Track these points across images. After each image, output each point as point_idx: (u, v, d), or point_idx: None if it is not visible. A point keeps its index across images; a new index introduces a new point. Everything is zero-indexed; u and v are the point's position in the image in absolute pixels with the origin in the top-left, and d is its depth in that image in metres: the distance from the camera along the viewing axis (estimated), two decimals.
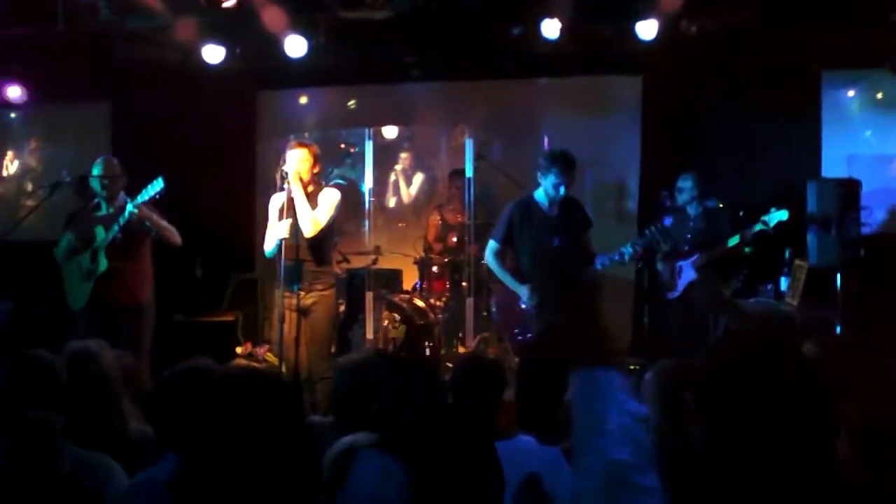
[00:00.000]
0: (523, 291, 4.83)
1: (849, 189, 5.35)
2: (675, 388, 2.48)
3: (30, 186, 7.49)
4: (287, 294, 4.67)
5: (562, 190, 4.81)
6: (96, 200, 5.12)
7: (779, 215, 5.25)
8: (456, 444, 1.93)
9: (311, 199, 4.71)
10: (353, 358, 3.23)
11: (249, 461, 1.56)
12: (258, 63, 6.80)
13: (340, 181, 5.96)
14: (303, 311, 4.68)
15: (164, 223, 5.02)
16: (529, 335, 4.82)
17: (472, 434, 1.94)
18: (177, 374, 2.47)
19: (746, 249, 5.32)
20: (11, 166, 7.86)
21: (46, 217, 5.57)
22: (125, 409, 2.82)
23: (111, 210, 5.01)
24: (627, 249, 4.84)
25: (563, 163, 4.78)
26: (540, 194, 4.91)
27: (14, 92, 6.92)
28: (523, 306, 4.85)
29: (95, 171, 5.07)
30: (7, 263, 6.27)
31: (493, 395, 2.88)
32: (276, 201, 4.79)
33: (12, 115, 7.70)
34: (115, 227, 4.87)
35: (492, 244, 4.99)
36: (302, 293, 4.66)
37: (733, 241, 5.20)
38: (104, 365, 2.81)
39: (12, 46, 6.50)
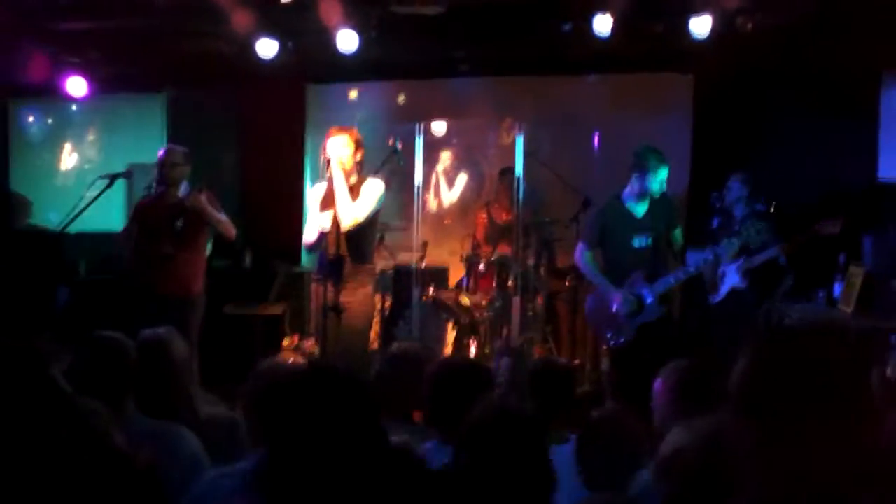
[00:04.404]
0: (617, 295, 4.75)
1: None
2: None
3: (89, 177, 7.70)
4: (321, 288, 4.47)
5: (652, 186, 4.72)
6: (160, 188, 5.24)
7: (829, 225, 5.11)
8: (510, 443, 1.99)
9: (354, 189, 4.49)
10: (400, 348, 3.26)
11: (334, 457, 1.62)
12: (309, 57, 6.86)
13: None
14: (336, 309, 4.40)
15: (221, 216, 5.10)
16: (622, 339, 4.77)
17: (526, 435, 1.99)
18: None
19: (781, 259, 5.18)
20: (70, 158, 8.08)
21: (104, 207, 5.71)
22: (195, 394, 2.91)
23: (175, 198, 5.13)
24: (723, 249, 4.74)
25: (658, 155, 4.69)
26: (629, 193, 4.83)
27: (75, 84, 7.10)
28: (614, 308, 4.76)
29: (158, 160, 5.19)
30: (66, 252, 6.45)
31: (563, 399, 2.94)
32: (318, 191, 4.64)
33: (73, 107, 7.91)
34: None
35: (584, 249, 4.91)
36: (333, 288, 4.38)
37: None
38: (174, 352, 2.90)
39: (72, 39, 6.67)
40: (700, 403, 2.31)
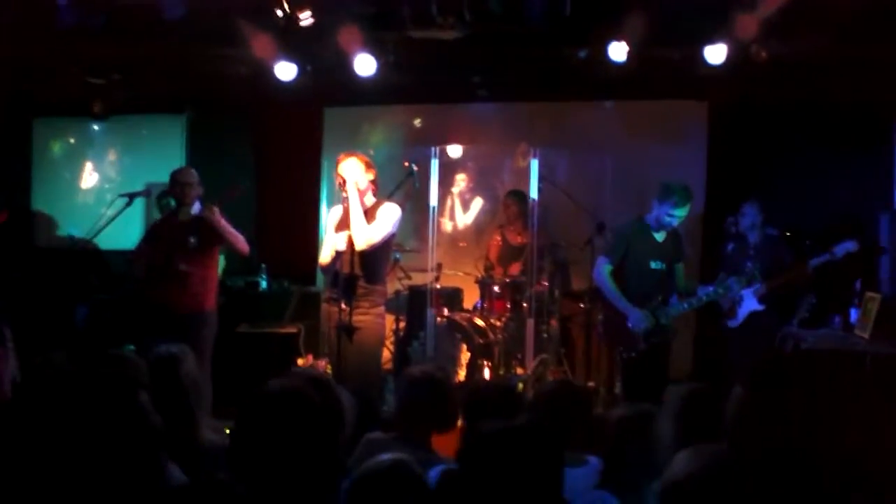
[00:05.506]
0: (635, 313, 4.89)
1: None
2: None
3: (108, 196, 7.78)
4: (333, 308, 4.49)
5: (677, 220, 4.95)
6: (173, 207, 5.33)
7: (847, 246, 5.18)
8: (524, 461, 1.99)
9: (371, 212, 4.59)
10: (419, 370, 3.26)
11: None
12: (327, 81, 6.94)
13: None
14: (348, 329, 4.45)
15: (233, 231, 5.17)
16: (633, 353, 4.95)
17: (540, 454, 1.99)
18: None
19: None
20: (90, 178, 8.20)
21: (122, 227, 5.78)
22: (201, 417, 2.89)
23: (188, 216, 5.20)
24: (731, 283, 5.00)
25: (684, 195, 4.91)
26: (651, 218, 5.04)
27: (98, 106, 7.23)
28: (630, 324, 4.93)
29: (172, 179, 5.27)
30: (86, 270, 6.53)
31: (580, 421, 2.92)
32: (335, 214, 4.73)
33: (95, 126, 8.03)
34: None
35: (606, 264, 5.06)
36: (346, 309, 4.42)
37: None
38: (184, 370, 2.88)
39: (96, 61, 6.79)
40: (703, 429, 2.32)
